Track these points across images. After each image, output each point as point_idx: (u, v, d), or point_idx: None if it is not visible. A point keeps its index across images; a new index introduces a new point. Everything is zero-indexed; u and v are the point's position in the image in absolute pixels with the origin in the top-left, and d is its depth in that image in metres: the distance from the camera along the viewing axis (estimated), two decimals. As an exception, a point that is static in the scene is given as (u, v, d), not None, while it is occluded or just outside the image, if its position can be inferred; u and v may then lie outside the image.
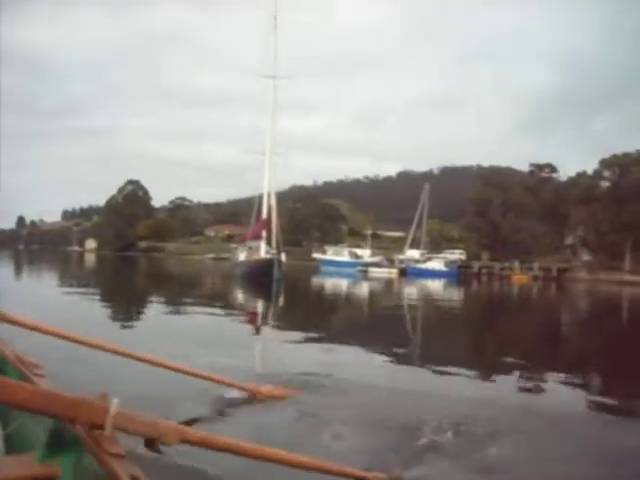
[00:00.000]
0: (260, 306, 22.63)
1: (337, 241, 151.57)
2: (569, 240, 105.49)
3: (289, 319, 18.23)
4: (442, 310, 25.55)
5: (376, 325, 18.17)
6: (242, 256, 46.36)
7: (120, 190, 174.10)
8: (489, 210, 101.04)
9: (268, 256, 42.01)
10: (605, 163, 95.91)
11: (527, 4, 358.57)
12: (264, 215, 46.57)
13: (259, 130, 50.20)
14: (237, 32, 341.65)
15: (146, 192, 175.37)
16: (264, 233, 44.99)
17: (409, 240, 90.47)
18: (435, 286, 47.02)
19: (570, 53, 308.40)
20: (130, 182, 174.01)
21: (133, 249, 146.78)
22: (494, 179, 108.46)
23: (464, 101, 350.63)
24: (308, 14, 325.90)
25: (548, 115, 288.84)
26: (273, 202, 47.39)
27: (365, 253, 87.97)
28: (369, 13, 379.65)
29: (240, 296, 28.11)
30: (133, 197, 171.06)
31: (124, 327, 13.65)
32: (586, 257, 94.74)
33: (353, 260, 79.69)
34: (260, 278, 35.03)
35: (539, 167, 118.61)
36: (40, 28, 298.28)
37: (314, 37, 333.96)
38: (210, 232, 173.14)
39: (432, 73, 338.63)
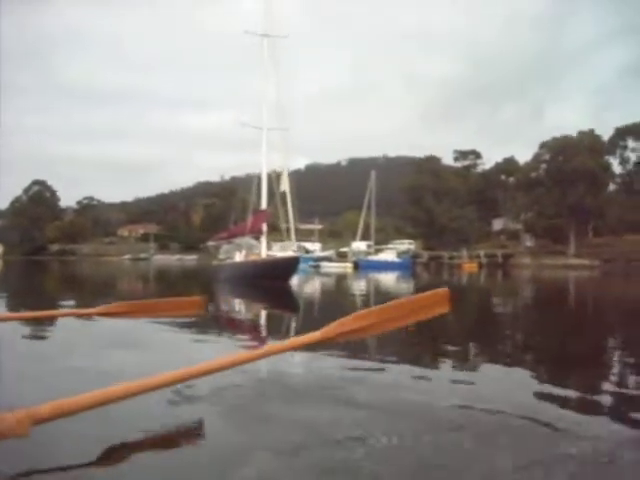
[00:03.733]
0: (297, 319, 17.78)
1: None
2: (498, 225, 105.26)
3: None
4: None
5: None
6: (238, 255, 38.53)
7: (25, 191, 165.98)
8: (423, 198, 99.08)
9: (292, 253, 35.64)
10: (547, 146, 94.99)
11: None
12: (263, 204, 38.43)
13: (249, 99, 44.11)
14: (133, 28, 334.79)
15: (53, 193, 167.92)
16: (265, 227, 36.97)
17: (359, 232, 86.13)
18: (389, 279, 43.87)
19: (473, 43, 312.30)
20: (36, 182, 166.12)
21: (44, 253, 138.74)
22: (426, 166, 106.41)
23: (369, 93, 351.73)
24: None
25: (453, 104, 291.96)
26: (286, 185, 38.61)
27: (315, 247, 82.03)
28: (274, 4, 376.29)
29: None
30: (40, 198, 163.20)
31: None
32: (528, 243, 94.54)
33: (304, 255, 75.04)
34: (273, 281, 28.75)
35: (463, 154, 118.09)
36: None
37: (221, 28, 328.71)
38: (124, 232, 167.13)
39: (338, 68, 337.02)
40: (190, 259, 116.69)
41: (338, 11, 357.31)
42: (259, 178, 39.34)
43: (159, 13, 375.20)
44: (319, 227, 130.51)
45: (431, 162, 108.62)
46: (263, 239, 36.69)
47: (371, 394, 5.35)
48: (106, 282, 38.44)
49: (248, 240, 38.06)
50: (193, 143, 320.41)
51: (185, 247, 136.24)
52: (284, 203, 40.27)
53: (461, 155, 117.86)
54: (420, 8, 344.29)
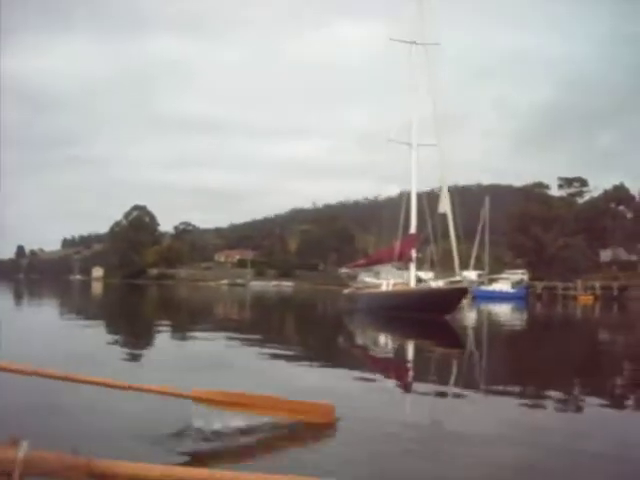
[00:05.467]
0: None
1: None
2: (606, 255, 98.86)
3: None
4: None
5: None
6: (385, 284, 32.23)
7: (126, 216, 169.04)
8: (531, 226, 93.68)
9: (462, 283, 30.58)
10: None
11: (527, 23, 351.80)
12: (412, 227, 33.98)
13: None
14: (225, 61, 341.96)
15: (153, 217, 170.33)
16: (414, 253, 32.98)
17: (472, 260, 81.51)
18: (503, 310, 40.17)
19: (571, 70, 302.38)
20: (136, 207, 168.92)
21: (143, 276, 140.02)
22: (533, 193, 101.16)
23: (464, 119, 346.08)
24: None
25: (549, 131, 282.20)
26: (447, 206, 32.54)
27: (429, 275, 76.87)
28: (367, 32, 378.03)
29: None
30: (139, 223, 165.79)
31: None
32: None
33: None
34: (431, 314, 25.12)
35: (568, 181, 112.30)
36: (32, 59, 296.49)
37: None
38: (220, 257, 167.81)
39: (432, 93, 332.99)
40: (287, 285, 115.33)
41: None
42: (407, 197, 34.99)
43: (254, 45, 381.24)
44: (415, 255, 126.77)
45: (539, 189, 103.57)
46: (412, 266, 33.13)
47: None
48: (204, 307, 36.63)
49: (390, 268, 34.47)
50: (286, 171, 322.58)
51: (281, 273, 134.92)
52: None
53: (566, 182, 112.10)
54: (515, 29, 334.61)
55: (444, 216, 32.98)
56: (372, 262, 36.96)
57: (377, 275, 34.60)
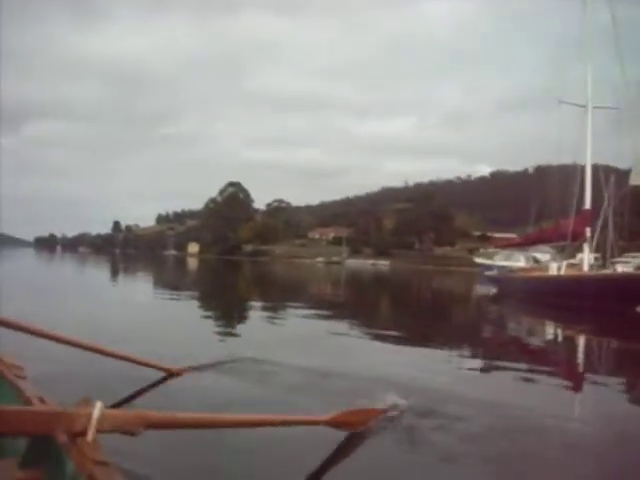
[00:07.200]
0: None
1: (449, 243, 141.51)
2: None
3: None
4: None
5: None
6: (555, 267, 27.25)
7: (221, 192, 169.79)
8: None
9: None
10: None
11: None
12: (586, 203, 28.75)
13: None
14: (322, 35, 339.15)
15: (247, 194, 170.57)
16: (588, 232, 28.44)
17: (593, 242, 75.55)
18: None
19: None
20: (231, 184, 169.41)
21: (237, 253, 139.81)
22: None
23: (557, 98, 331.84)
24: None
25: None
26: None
27: (547, 257, 70.82)
28: (458, 9, 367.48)
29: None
30: (234, 199, 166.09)
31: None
32: None
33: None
34: (622, 304, 20.58)
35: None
36: (126, 39, 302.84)
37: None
38: (315, 234, 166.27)
39: (523, 72, 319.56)
40: (383, 264, 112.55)
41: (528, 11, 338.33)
42: (581, 170, 29.69)
43: (348, 21, 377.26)
44: (512, 235, 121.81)
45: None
46: (586, 247, 28.16)
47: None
48: (300, 284, 34.57)
49: (548, 249, 30.31)
50: (377, 149, 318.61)
51: (376, 252, 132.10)
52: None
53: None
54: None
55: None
56: (533, 241, 32.61)
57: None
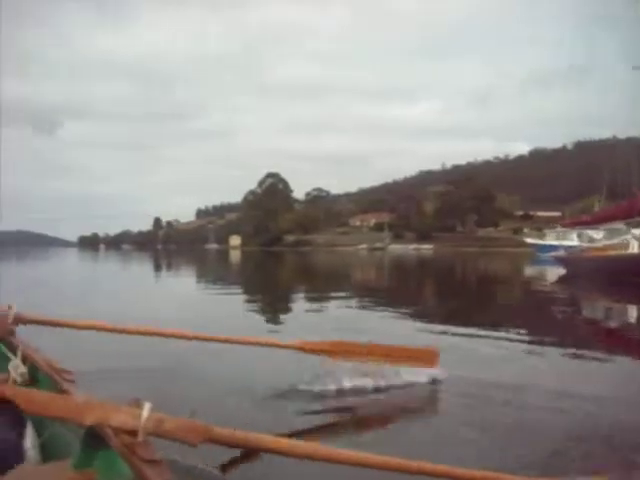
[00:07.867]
0: None
1: (493, 224, 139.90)
2: None
3: None
4: None
5: None
6: (637, 245, 24.55)
7: (260, 183, 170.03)
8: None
9: None
10: None
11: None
12: None
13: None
14: (335, 22, 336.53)
15: (286, 184, 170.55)
16: None
17: None
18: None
19: None
20: (269, 175, 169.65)
21: (279, 243, 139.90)
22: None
23: (590, 71, 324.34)
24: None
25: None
26: None
27: (600, 235, 68.20)
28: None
29: None
30: (274, 190, 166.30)
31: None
32: None
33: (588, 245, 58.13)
34: None
35: None
36: (145, 35, 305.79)
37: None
38: (355, 221, 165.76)
39: (551, 45, 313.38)
40: (426, 248, 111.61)
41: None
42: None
43: (358, 6, 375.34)
44: (555, 214, 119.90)
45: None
46: None
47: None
48: (344, 273, 33.68)
49: (622, 226, 28.81)
50: (409, 133, 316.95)
51: (419, 236, 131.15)
52: None
53: None
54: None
55: None
56: (602, 219, 31.09)
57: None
